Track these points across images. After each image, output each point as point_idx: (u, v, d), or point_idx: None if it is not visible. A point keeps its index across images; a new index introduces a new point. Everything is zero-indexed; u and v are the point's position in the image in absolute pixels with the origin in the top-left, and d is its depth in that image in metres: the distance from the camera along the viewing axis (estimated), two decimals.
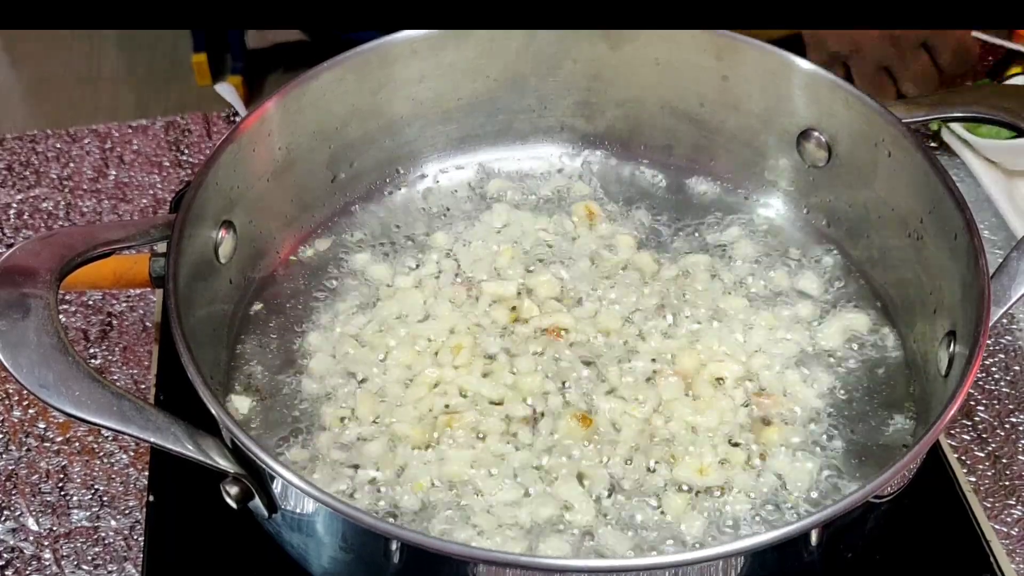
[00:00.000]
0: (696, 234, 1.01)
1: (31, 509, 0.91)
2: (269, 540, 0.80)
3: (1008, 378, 1.01)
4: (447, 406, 0.85)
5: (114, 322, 1.05)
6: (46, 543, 0.89)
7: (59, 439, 0.96)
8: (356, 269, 0.97)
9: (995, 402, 0.99)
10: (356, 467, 0.82)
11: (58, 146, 1.22)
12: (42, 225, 1.14)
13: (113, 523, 0.91)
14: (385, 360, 0.89)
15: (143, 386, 0.99)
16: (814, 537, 0.70)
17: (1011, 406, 0.99)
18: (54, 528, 0.90)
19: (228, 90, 1.29)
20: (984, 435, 0.97)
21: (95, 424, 0.70)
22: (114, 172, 1.20)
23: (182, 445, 0.71)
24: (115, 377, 1.00)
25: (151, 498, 0.89)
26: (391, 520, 0.78)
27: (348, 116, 0.99)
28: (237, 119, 1.24)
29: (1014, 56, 1.26)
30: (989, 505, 0.92)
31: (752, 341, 0.91)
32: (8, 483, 0.93)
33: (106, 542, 0.89)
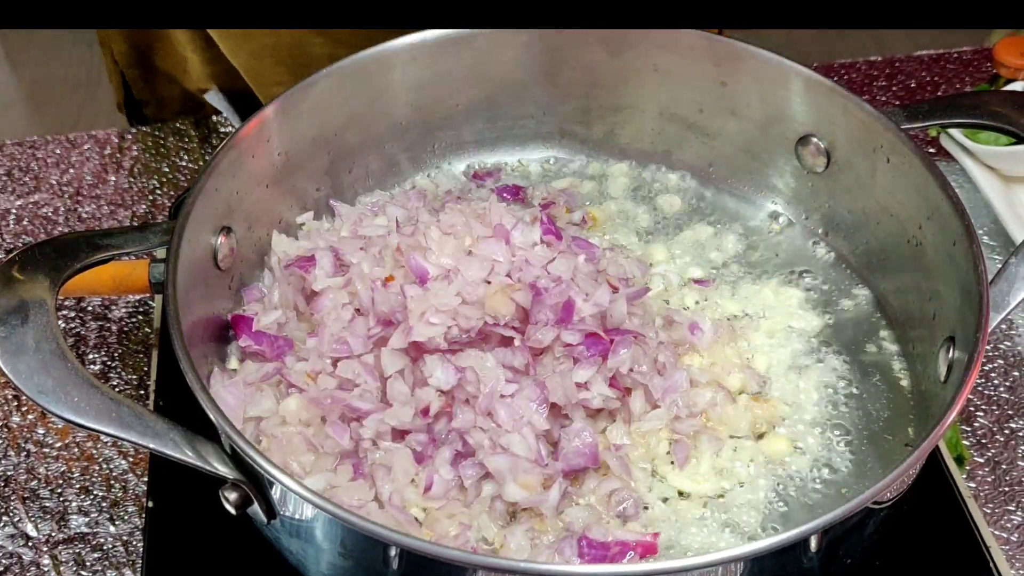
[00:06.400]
0: (696, 240, 1.01)
1: (30, 515, 0.91)
2: (268, 546, 0.80)
3: (1007, 384, 1.01)
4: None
5: (113, 328, 1.05)
6: (45, 549, 0.89)
7: (58, 445, 0.96)
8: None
9: (994, 408, 0.99)
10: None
11: (58, 152, 1.22)
12: (42, 231, 1.14)
13: (112, 529, 0.90)
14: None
15: (143, 392, 0.99)
16: (813, 543, 0.70)
17: (1010, 412, 0.99)
18: (53, 534, 0.90)
19: (218, 97, 1.29)
20: (984, 441, 0.96)
21: (94, 430, 0.70)
22: (113, 178, 1.20)
23: (181, 451, 0.71)
24: (114, 383, 1.00)
25: (150, 504, 0.89)
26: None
27: (347, 122, 0.99)
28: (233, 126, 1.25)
29: None
30: (989, 511, 0.92)
31: (752, 347, 0.91)
32: (7, 488, 0.93)
33: (105, 548, 0.89)
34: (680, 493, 0.82)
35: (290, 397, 0.82)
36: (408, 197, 0.99)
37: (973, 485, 0.93)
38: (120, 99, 1.37)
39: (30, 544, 0.90)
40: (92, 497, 0.92)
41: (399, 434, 0.80)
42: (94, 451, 0.95)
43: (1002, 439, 0.97)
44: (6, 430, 0.97)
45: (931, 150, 1.20)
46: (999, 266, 0.82)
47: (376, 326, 0.83)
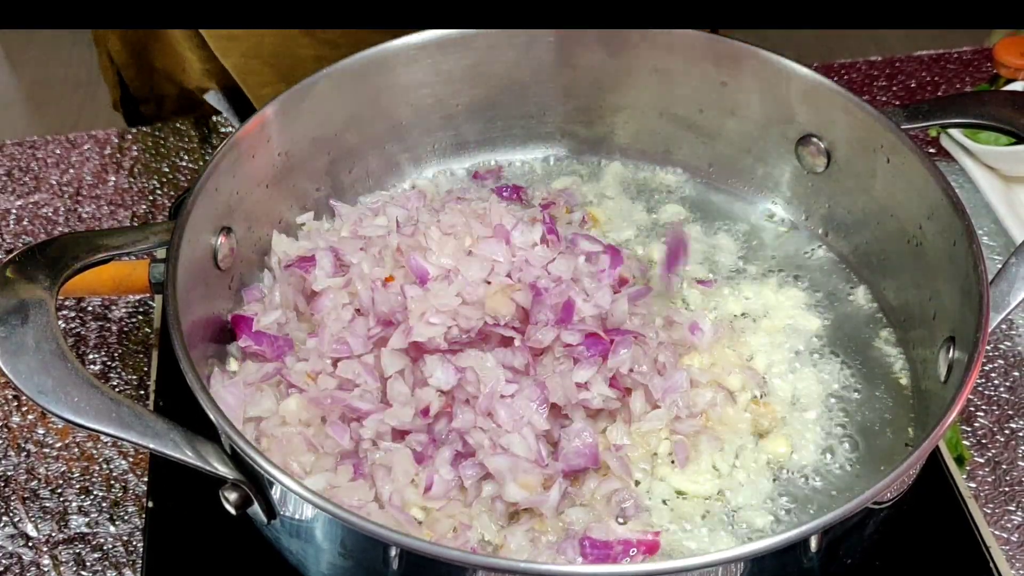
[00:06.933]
0: (695, 241, 1.01)
1: (30, 515, 0.91)
2: (268, 546, 0.80)
3: (1007, 384, 1.01)
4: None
5: (113, 328, 1.05)
6: (45, 549, 0.89)
7: (58, 445, 0.96)
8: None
9: (995, 408, 0.99)
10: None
11: (58, 152, 1.22)
12: (42, 231, 1.14)
13: (112, 529, 0.90)
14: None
15: (143, 392, 0.99)
16: (813, 543, 0.70)
17: (1010, 412, 0.99)
18: (53, 534, 0.90)
19: (218, 98, 1.29)
20: (984, 441, 0.96)
21: (94, 430, 0.70)
22: (113, 178, 1.20)
23: (181, 451, 0.71)
24: (114, 383, 1.00)
25: (150, 504, 0.89)
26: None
27: (347, 122, 0.99)
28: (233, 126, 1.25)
29: None
30: (989, 511, 0.92)
31: (752, 347, 0.91)
32: (7, 488, 0.93)
33: (105, 548, 0.89)
34: (680, 493, 0.82)
35: (290, 397, 0.82)
36: (408, 197, 0.99)
37: (973, 485, 0.93)
38: (116, 97, 1.37)
39: (30, 544, 0.90)
40: (92, 497, 0.92)
41: (399, 434, 0.80)
42: (94, 451, 0.95)
43: (1002, 439, 0.97)
44: (6, 430, 0.97)
45: (931, 150, 1.20)
46: (999, 266, 0.82)
47: (376, 326, 0.83)
